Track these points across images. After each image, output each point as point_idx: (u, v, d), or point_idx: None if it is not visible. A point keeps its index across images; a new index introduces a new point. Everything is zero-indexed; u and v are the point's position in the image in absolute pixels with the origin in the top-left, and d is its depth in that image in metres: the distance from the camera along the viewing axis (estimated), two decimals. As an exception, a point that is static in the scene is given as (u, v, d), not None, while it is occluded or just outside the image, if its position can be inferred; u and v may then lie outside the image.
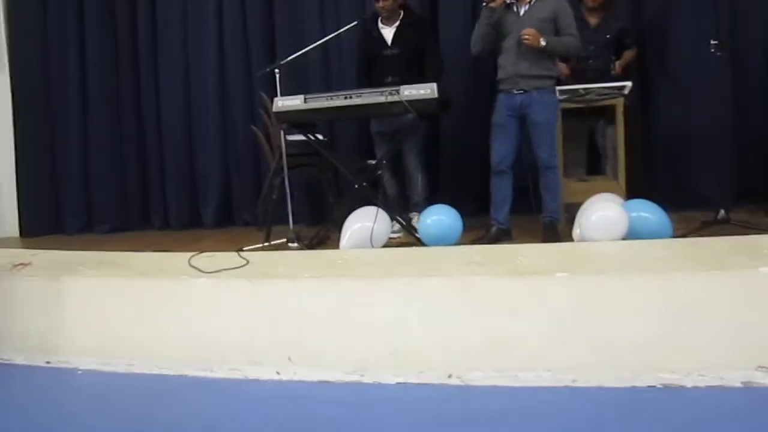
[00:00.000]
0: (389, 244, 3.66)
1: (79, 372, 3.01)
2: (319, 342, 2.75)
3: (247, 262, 3.13)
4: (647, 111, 4.59)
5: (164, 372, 2.94)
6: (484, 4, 3.61)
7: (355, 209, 3.69)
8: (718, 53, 3.52)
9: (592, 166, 4.43)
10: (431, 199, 4.15)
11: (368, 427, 2.29)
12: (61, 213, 5.73)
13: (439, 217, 3.47)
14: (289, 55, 4.04)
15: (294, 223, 4.00)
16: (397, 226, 3.87)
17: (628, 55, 4.35)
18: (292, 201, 3.97)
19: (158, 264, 3.33)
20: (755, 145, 4.49)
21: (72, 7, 5.58)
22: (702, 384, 2.35)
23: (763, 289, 2.40)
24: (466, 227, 3.64)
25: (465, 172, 4.80)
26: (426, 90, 3.42)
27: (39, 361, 3.12)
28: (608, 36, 4.29)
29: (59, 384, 2.95)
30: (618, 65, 4.27)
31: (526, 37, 3.51)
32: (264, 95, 4.27)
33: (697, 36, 4.16)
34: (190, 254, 3.32)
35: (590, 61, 4.21)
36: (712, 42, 3.51)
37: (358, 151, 4.88)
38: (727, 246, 2.79)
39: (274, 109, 3.71)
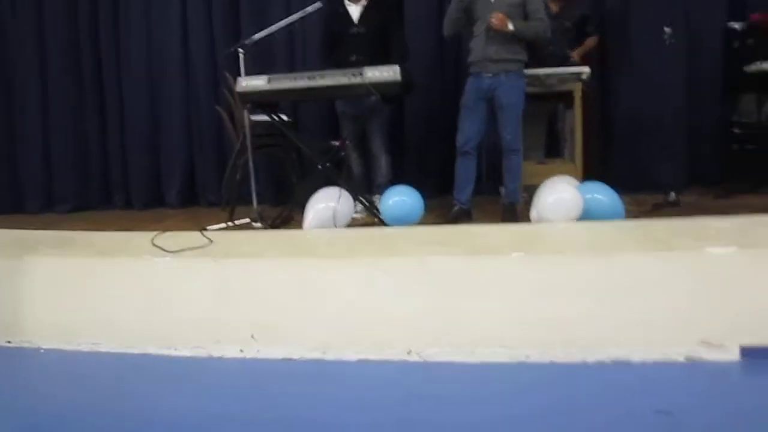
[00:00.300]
0: (352, 224, 3.71)
1: (42, 351, 3.01)
2: (282, 320, 2.80)
3: (211, 241, 3.15)
4: (606, 96, 4.71)
5: (129, 351, 2.95)
6: None
7: (318, 189, 3.73)
8: (671, 41, 3.62)
9: (552, 149, 4.53)
10: (395, 181, 4.21)
11: (330, 402, 2.35)
12: (21, 192, 5.64)
13: (401, 198, 3.53)
14: (254, 34, 4.03)
15: (258, 203, 4.02)
16: (360, 207, 3.93)
17: (589, 42, 4.44)
18: (257, 181, 3.99)
19: (121, 243, 3.33)
20: (708, 132, 4.66)
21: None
22: (648, 359, 2.47)
23: (707, 269, 2.53)
24: (429, 208, 3.72)
25: (429, 153, 4.88)
26: (389, 72, 3.46)
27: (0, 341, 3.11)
28: (568, 23, 4.37)
29: (22, 363, 2.95)
30: (576, 53, 4.34)
31: (494, 21, 3.58)
32: (228, 75, 4.25)
33: (654, 24, 4.22)
34: (153, 233, 3.32)
35: (550, 47, 4.28)
36: (666, 29, 3.61)
37: (325, 131, 4.91)
38: (676, 227, 2.90)
39: (238, 89, 3.70)
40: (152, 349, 2.91)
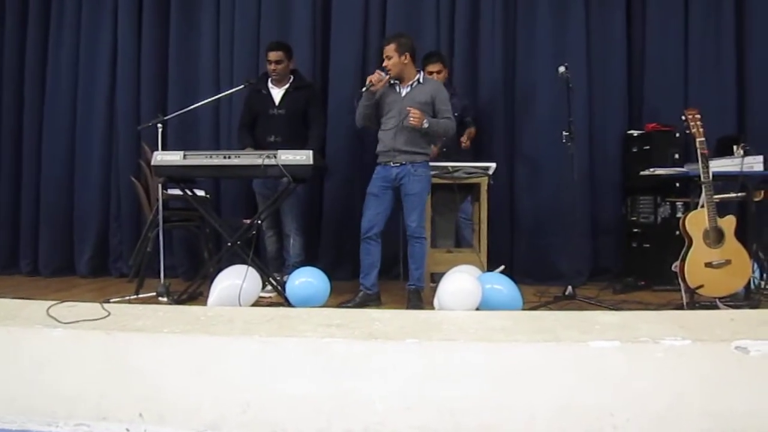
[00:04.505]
0: (259, 303, 3.70)
1: None
2: (172, 399, 2.72)
3: (109, 314, 3.07)
4: (514, 189, 4.92)
5: (7, 426, 2.81)
6: (364, 89, 3.82)
7: (230, 266, 3.72)
8: (568, 144, 3.88)
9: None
10: (309, 262, 4.24)
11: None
12: None
13: (307, 280, 3.57)
14: (181, 108, 4.09)
15: (173, 277, 3.98)
16: (269, 286, 3.93)
17: (471, 131, 4.64)
18: (172, 254, 3.96)
19: (13, 311, 3.20)
20: (611, 229, 4.92)
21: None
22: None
23: (589, 362, 2.63)
24: (343, 290, 3.77)
25: (345, 237, 4.94)
26: (302, 156, 3.57)
27: None
28: (456, 113, 4.58)
29: None
30: (465, 140, 4.54)
31: (412, 118, 3.73)
32: (146, 147, 4.28)
33: (561, 126, 4.50)
34: (50, 303, 3.23)
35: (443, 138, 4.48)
36: (564, 133, 3.87)
37: (243, 208, 4.94)
38: (565, 319, 3.03)
39: (153, 162, 3.72)
40: (33, 426, 2.78)
